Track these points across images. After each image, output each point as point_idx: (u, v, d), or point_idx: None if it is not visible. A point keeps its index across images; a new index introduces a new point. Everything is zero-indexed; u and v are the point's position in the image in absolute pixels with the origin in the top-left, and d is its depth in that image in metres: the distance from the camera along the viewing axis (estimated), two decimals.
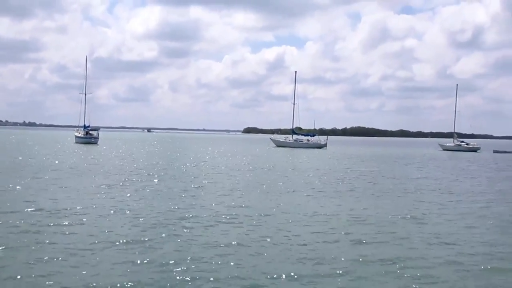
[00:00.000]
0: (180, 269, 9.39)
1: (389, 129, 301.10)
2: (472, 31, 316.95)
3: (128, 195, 19.03)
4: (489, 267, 10.23)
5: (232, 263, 9.92)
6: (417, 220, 15.45)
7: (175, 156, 48.70)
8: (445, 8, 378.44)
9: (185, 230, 12.84)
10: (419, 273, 9.56)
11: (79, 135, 73.50)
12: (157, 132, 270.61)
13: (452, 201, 20.10)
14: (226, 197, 19.35)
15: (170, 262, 9.80)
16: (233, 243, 11.59)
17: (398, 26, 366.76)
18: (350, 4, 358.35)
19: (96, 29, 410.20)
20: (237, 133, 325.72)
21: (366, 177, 30.08)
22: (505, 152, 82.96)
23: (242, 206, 17.00)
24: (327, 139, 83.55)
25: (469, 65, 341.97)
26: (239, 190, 21.47)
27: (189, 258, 10.15)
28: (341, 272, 9.53)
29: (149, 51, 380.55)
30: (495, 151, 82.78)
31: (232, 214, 15.24)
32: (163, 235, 12.21)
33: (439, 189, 24.44)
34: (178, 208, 16.23)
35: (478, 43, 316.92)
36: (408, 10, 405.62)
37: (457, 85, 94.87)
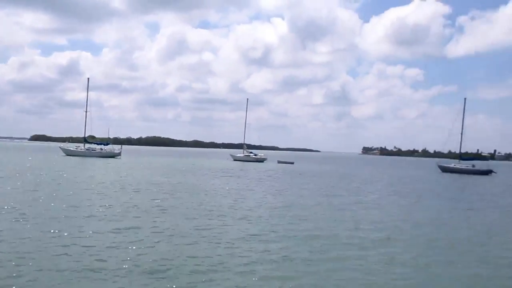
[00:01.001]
0: None
1: (184, 139, 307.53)
2: (262, 49, 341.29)
3: None
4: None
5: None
6: (210, 237, 15.64)
7: None
8: (239, 26, 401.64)
9: None
10: None
11: None
12: None
13: (246, 210, 20.93)
14: None
15: None
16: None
17: (195, 39, 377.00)
18: (149, 14, 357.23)
19: None
20: (23, 140, 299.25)
21: (158, 188, 29.81)
22: (287, 162, 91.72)
23: (19, 220, 15.33)
24: (121, 148, 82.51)
25: (259, 81, 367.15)
26: (15, 206, 19.17)
27: None
28: None
29: None
30: (279, 162, 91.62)
31: (5, 235, 13.61)
32: None
33: (231, 199, 25.34)
34: None
35: (267, 61, 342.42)
36: (205, 24, 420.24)
37: (247, 99, 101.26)
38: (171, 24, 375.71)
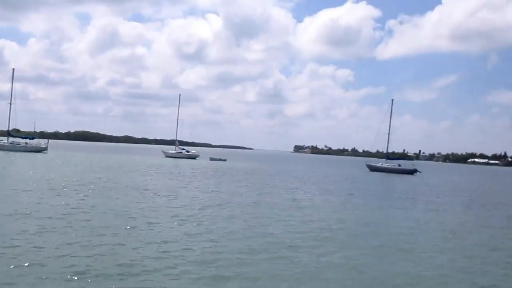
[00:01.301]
0: None
1: (115, 134, 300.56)
2: (197, 45, 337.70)
3: None
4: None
5: None
6: (141, 236, 15.28)
7: None
8: (173, 20, 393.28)
9: None
10: None
11: None
12: None
13: (182, 209, 20.65)
14: None
15: None
16: None
17: (127, 32, 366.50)
18: (80, 5, 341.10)
19: None
20: None
21: (87, 186, 28.82)
22: (219, 159, 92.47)
23: None
24: (48, 143, 79.66)
25: (192, 76, 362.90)
26: None
27: None
28: None
29: None
30: (212, 159, 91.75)
31: None
32: None
33: (165, 196, 24.95)
34: None
35: (201, 56, 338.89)
36: (138, 18, 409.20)
37: (179, 95, 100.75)
38: (103, 16, 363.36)
